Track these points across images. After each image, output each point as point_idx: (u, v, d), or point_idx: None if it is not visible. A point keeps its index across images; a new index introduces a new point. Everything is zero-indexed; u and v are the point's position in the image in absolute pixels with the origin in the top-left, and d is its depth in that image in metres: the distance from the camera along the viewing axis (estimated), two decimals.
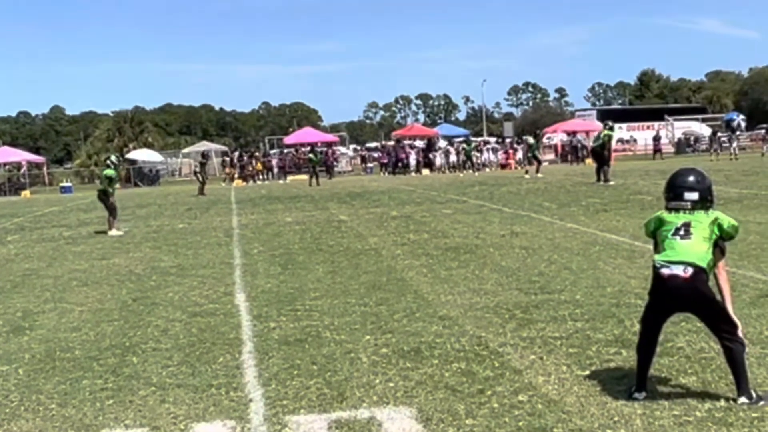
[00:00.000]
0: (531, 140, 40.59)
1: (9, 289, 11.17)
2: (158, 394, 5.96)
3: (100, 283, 11.21)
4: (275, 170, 52.81)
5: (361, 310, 8.61)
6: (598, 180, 26.73)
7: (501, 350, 6.73)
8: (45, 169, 62.42)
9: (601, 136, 27.71)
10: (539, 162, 36.57)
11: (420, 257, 12.22)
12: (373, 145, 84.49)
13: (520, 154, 50.29)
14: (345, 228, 17.05)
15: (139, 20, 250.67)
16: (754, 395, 5.17)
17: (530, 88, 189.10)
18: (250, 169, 51.10)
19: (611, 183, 25.99)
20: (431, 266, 11.34)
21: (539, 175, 33.87)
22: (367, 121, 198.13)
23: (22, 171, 55.71)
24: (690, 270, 5.18)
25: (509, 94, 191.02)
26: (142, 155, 60.14)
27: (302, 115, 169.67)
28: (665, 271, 5.26)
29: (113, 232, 17.94)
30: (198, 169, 37.83)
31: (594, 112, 72.75)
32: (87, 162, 69.11)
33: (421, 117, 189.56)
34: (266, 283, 10.55)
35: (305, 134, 63.38)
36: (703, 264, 5.22)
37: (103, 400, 5.90)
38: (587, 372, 5.99)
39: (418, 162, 50.71)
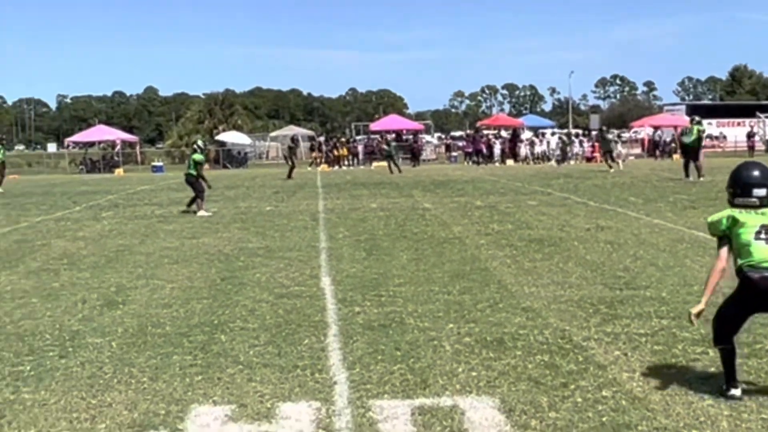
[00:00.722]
0: (609, 135, 40.00)
1: (103, 264, 11.55)
2: (245, 372, 6.11)
3: (190, 262, 11.50)
4: (360, 156, 53.09)
5: (445, 298, 8.65)
6: (687, 176, 26.09)
7: (585, 344, 6.69)
8: (138, 148, 64.05)
9: (694, 131, 26.99)
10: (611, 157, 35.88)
11: (504, 248, 12.19)
12: (457, 134, 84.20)
13: None
14: (429, 216, 17.09)
15: (231, 4, 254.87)
16: None
17: (618, 81, 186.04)
18: (336, 154, 51.49)
19: (703, 179, 25.35)
20: (515, 257, 11.31)
21: (611, 170, 33.27)
22: (453, 110, 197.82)
23: (116, 149, 57.23)
24: None
25: (596, 86, 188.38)
26: (231, 137, 61.15)
27: (388, 102, 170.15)
28: (755, 275, 5.14)
29: (202, 213, 18.35)
30: (287, 153, 38.19)
31: (683, 107, 71.05)
32: (178, 142, 70.60)
33: (507, 107, 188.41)
34: (351, 268, 10.67)
35: (391, 121, 63.48)
36: None
37: (192, 375, 6.08)
38: (673, 370, 5.91)
39: (503, 152, 50.36)
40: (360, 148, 54.48)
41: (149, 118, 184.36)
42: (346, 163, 51.22)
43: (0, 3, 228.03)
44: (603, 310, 7.93)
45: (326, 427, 4.95)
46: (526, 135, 56.68)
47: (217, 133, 63.83)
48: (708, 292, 5.38)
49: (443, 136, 77.95)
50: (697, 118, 28.52)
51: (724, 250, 5.40)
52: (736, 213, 5.35)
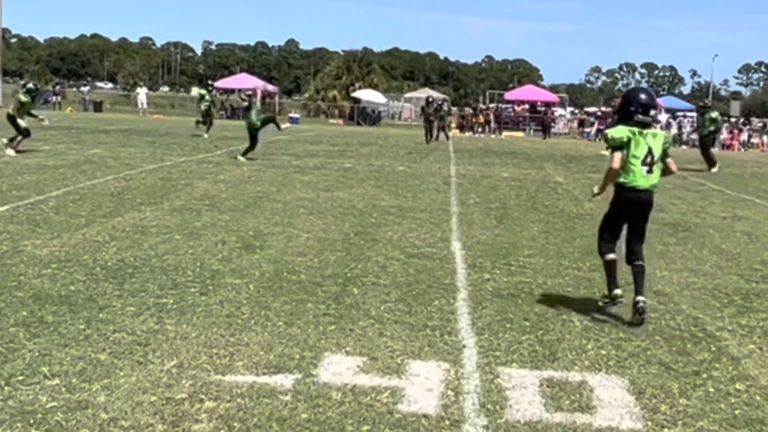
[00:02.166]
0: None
1: (243, 208, 11.95)
2: (376, 327, 6.26)
3: (325, 214, 11.77)
4: (492, 124, 52.70)
5: (575, 273, 8.59)
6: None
7: (718, 334, 6.54)
8: (276, 98, 65.36)
9: (706, 121, 25.51)
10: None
11: None
12: (591, 109, 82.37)
13: (745, 136, 47.47)
14: (561, 190, 16.89)
15: None
16: None
17: (763, 68, 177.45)
18: (471, 120, 51.26)
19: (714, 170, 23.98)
20: (647, 239, 10.97)
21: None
22: (588, 85, 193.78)
23: (257, 99, 58.50)
24: None
25: (740, 72, 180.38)
26: (367, 95, 61.71)
27: (523, 72, 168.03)
28: (631, 194, 7.03)
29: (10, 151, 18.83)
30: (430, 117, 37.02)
31: None
32: (314, 96, 71.74)
33: (644, 86, 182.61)
34: (481, 234, 10.70)
35: (527, 91, 62.76)
36: None
37: (325, 324, 6.27)
38: None
39: None
40: (492, 116, 54.06)
41: (288, 70, 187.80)
42: (478, 130, 50.96)
43: None
44: (738, 301, 7.72)
45: (455, 389, 5.03)
46: (662, 117, 54.87)
47: (353, 90, 64.49)
48: (603, 185, 7.20)
49: (576, 111, 76.32)
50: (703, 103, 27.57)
51: (618, 156, 6.80)
52: (636, 132, 6.73)
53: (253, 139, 20.22)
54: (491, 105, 64.00)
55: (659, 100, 69.29)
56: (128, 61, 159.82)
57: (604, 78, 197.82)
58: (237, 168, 17.76)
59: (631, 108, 6.81)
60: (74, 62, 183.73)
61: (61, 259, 8.03)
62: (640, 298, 6.68)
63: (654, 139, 6.79)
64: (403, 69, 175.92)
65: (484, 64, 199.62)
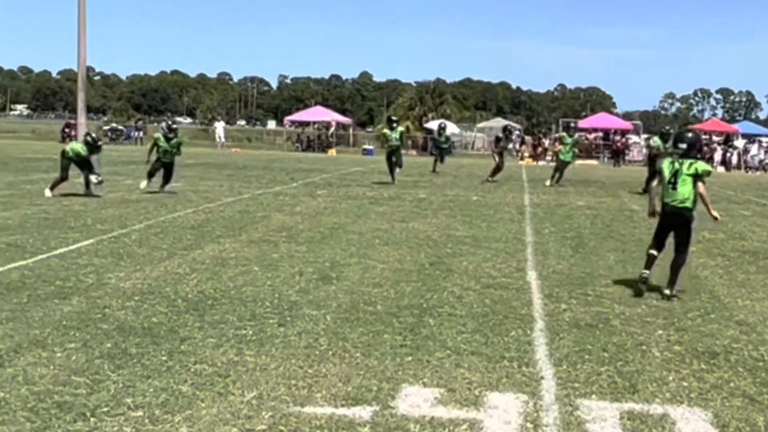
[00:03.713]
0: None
1: (319, 239, 12.09)
2: (453, 358, 6.26)
3: (400, 245, 11.83)
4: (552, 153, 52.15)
5: (653, 303, 8.47)
6: None
7: None
8: (351, 130, 65.98)
9: None
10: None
11: (715, 257, 11.75)
12: None
13: None
14: (637, 218, 16.64)
15: None
16: None
17: None
18: (542, 149, 50.91)
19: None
20: (727, 268, 10.88)
21: None
22: (662, 112, 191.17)
23: (330, 131, 59.22)
24: None
25: None
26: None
27: (596, 100, 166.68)
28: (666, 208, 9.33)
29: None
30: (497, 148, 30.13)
31: None
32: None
33: (720, 112, 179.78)
34: (557, 264, 10.62)
35: (600, 119, 62.09)
36: None
37: (402, 356, 6.29)
38: None
39: (724, 159, 48.00)
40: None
41: (362, 102, 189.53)
42: (548, 158, 50.49)
43: None
44: None
45: (534, 422, 5.00)
46: (739, 142, 53.65)
47: (426, 121, 64.65)
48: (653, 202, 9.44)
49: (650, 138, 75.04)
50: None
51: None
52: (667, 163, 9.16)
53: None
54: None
55: (736, 126, 67.80)
56: (206, 96, 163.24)
57: (678, 104, 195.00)
58: (313, 200, 18.00)
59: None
60: (155, 98, 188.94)
61: (143, 291, 8.24)
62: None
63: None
64: (476, 99, 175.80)
65: (557, 93, 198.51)
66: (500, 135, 30.60)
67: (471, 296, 8.47)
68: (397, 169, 24.15)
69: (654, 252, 9.17)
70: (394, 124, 25.04)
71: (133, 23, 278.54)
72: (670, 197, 8.99)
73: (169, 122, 21.13)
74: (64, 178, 17.37)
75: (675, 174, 8.91)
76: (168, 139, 18.82)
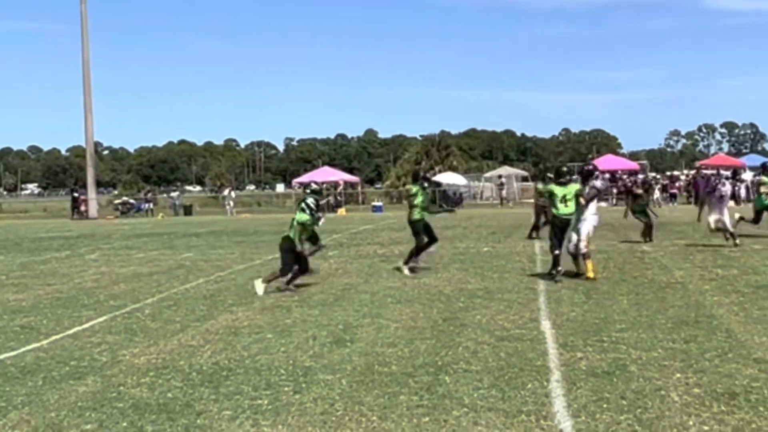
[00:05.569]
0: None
1: (331, 302, 12.09)
2: (470, 415, 6.22)
3: (413, 302, 11.81)
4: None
5: (669, 345, 8.42)
6: None
7: None
8: (359, 188, 66.28)
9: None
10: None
11: (730, 294, 11.68)
12: (676, 173, 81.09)
13: None
14: (648, 259, 16.61)
15: (445, 50, 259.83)
16: None
17: None
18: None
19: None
20: (742, 304, 10.81)
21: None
22: (668, 149, 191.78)
23: (338, 190, 59.49)
24: None
25: None
26: (447, 178, 62.04)
27: (601, 142, 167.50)
28: (556, 219, 13.96)
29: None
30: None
31: None
32: (396, 183, 72.44)
33: (725, 146, 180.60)
34: (571, 312, 10.59)
35: (607, 161, 62.15)
36: None
37: (419, 416, 6.26)
38: None
39: (734, 194, 47.86)
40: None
41: (369, 159, 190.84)
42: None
43: (236, 57, 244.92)
44: None
45: None
46: (747, 176, 53.54)
47: (433, 174, 64.89)
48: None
49: (658, 176, 75.09)
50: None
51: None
52: (555, 188, 13.49)
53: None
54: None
55: (743, 159, 67.41)
56: (214, 163, 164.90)
57: (684, 140, 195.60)
58: (324, 261, 18.01)
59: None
60: (163, 169, 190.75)
61: (158, 366, 8.24)
62: None
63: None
64: (482, 148, 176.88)
65: (562, 137, 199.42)
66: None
67: (486, 350, 8.44)
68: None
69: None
70: (426, 183, 16.44)
71: (138, 97, 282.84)
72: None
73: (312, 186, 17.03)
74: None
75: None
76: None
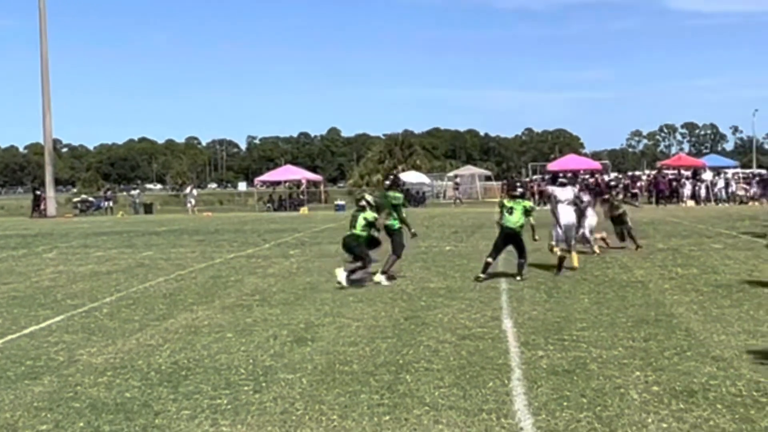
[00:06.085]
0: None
1: (292, 301, 12.02)
2: (431, 414, 6.20)
3: (374, 301, 11.78)
4: (536, 196, 52.50)
5: (629, 344, 8.48)
6: None
7: None
8: (322, 187, 66.11)
9: None
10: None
11: (689, 293, 11.82)
12: (638, 173, 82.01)
13: None
14: (610, 258, 16.74)
15: (409, 48, 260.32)
16: None
17: None
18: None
19: None
20: (702, 303, 10.93)
21: None
22: (630, 150, 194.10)
23: (301, 189, 59.33)
24: None
25: None
26: (410, 177, 62.05)
27: (564, 142, 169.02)
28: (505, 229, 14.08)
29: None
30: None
31: None
32: (359, 182, 72.40)
33: (686, 146, 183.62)
34: (532, 310, 10.63)
35: (568, 161, 62.53)
36: None
37: (380, 415, 6.23)
38: None
39: (694, 193, 48.53)
40: (535, 187, 53.81)
41: (332, 158, 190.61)
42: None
43: (197, 55, 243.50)
44: None
45: None
46: (707, 175, 54.30)
47: (397, 173, 64.98)
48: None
49: (620, 176, 75.88)
50: None
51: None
52: (506, 201, 14.12)
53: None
54: (534, 177, 63.93)
55: (703, 160, 68.42)
56: (176, 161, 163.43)
57: (645, 141, 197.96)
58: (285, 260, 17.93)
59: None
60: (124, 167, 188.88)
61: (116, 366, 8.12)
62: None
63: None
64: (445, 148, 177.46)
65: (525, 137, 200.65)
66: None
67: (447, 349, 8.43)
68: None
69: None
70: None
71: (98, 94, 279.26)
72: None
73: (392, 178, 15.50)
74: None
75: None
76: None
